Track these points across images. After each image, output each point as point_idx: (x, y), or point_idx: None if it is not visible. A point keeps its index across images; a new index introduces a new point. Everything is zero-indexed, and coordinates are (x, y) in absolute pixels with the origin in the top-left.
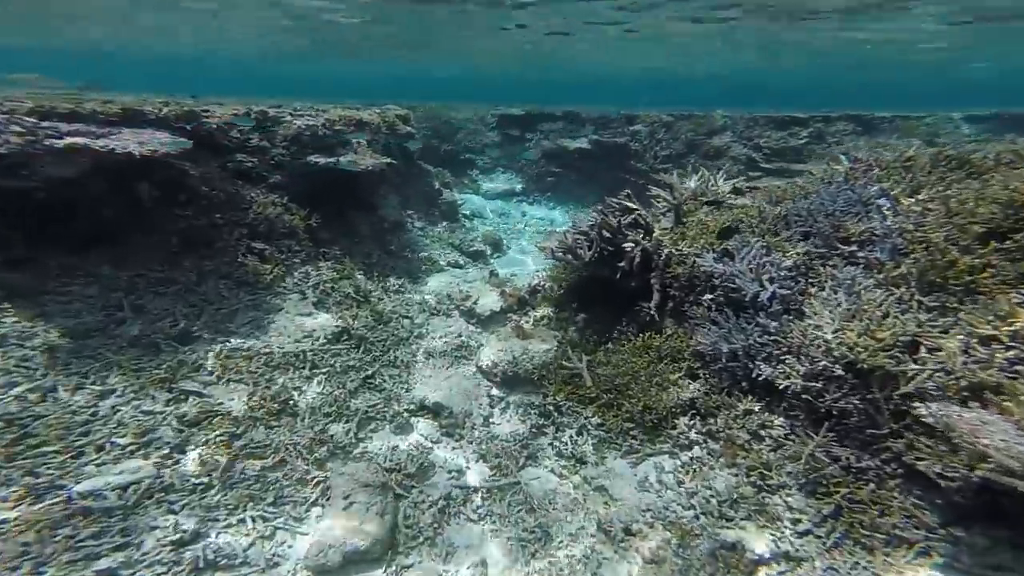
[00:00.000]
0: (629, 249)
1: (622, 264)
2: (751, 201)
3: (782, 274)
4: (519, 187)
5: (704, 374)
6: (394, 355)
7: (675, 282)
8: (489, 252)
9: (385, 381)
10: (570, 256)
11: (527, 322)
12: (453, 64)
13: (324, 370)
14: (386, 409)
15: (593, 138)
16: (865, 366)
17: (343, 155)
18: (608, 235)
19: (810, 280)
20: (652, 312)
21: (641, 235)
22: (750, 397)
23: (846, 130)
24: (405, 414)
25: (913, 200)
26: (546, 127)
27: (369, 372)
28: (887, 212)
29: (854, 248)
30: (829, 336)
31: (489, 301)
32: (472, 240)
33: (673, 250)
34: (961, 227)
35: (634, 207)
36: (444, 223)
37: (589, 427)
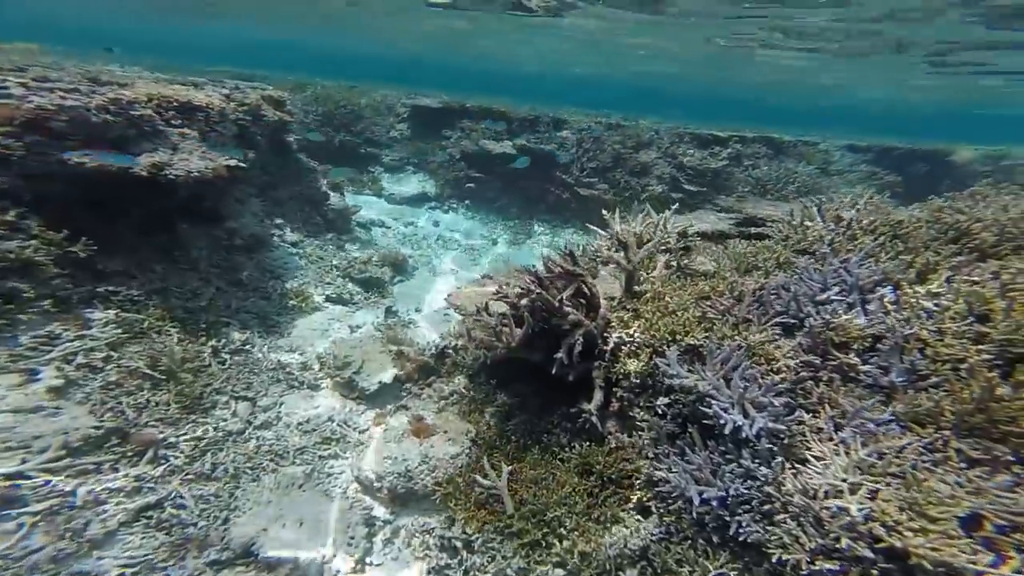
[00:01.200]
0: (568, 327)
1: (559, 355)
2: (712, 262)
3: (771, 398)
4: (432, 191)
5: (659, 508)
6: (210, 463)
7: (624, 380)
8: (389, 277)
9: (182, 512)
10: (493, 340)
11: (431, 405)
12: (365, 40)
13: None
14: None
15: (520, 143)
16: (917, 560)
17: (149, 151)
18: (544, 312)
19: (803, 403)
20: (593, 416)
21: (584, 310)
22: (724, 553)
23: (759, 152)
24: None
25: (923, 291)
26: (468, 124)
27: (151, 500)
28: (890, 306)
29: (854, 358)
30: (853, 508)
31: (378, 367)
32: (366, 262)
33: (623, 335)
34: (1003, 345)
35: (580, 272)
36: (331, 235)
37: (509, 574)
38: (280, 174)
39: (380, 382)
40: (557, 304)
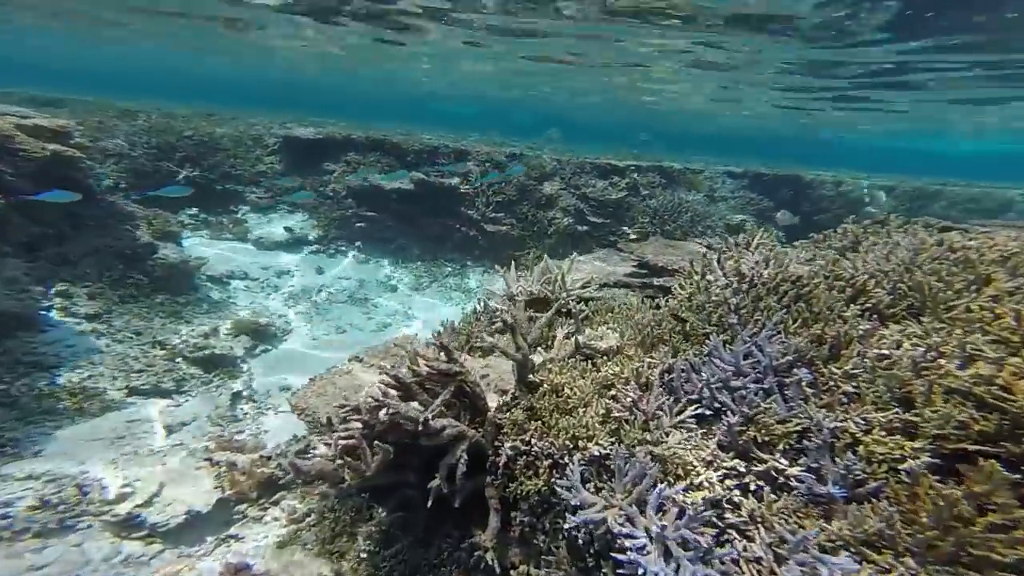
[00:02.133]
0: (447, 440)
1: (433, 484)
2: (614, 333)
3: (696, 532)
4: (313, 234)
5: None
6: None
7: (523, 501)
8: (246, 350)
9: None
10: (337, 471)
11: (273, 535)
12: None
13: None
14: None
15: (419, 176)
16: None
17: None
18: (409, 427)
19: (733, 522)
20: (487, 549)
21: (467, 416)
22: None
23: (654, 182)
24: None
25: (839, 372)
26: (354, 157)
27: None
28: (809, 391)
29: (781, 461)
30: None
31: (193, 488)
32: (209, 333)
33: (519, 443)
34: (936, 441)
35: (456, 370)
36: (162, 298)
37: None
38: (71, 224)
39: (189, 510)
40: (421, 425)
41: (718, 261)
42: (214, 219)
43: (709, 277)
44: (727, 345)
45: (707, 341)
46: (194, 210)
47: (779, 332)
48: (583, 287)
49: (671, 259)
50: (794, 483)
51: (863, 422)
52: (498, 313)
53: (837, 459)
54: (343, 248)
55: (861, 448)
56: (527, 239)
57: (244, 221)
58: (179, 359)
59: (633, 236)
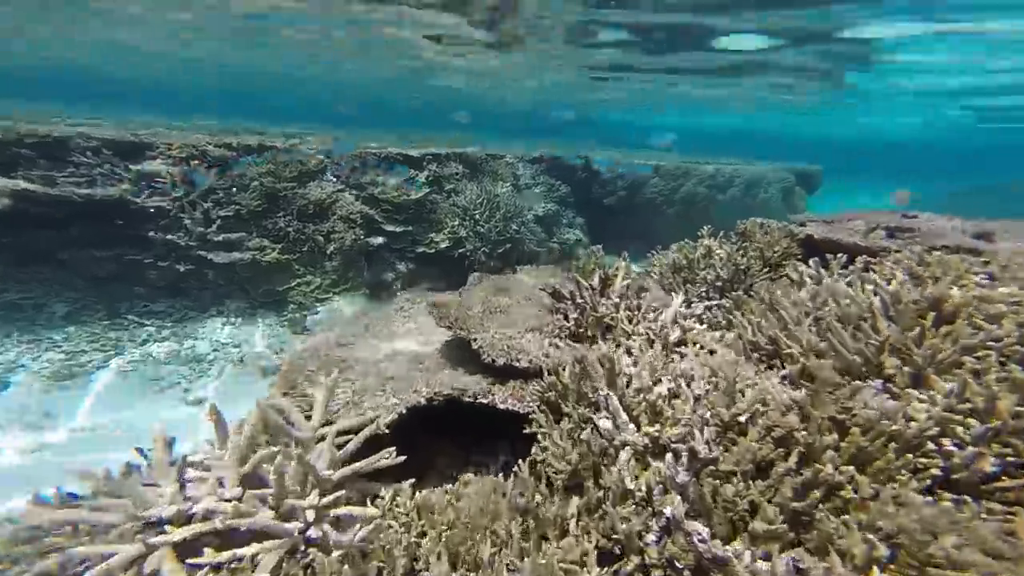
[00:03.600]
0: None
1: None
2: None
3: None
4: None
5: None
6: None
7: None
8: None
9: None
10: None
11: None
12: None
13: None
14: None
15: (29, 189)
16: None
17: None
18: None
19: None
20: None
21: None
22: None
23: (457, 173)
24: None
25: None
26: None
27: None
28: None
29: None
30: None
31: None
32: None
33: None
34: None
35: None
36: None
37: None
38: None
39: None
40: None
41: (603, 365)
42: None
43: (604, 424)
44: None
45: None
46: None
47: None
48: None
49: (510, 328)
50: None
51: None
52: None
53: None
54: None
55: None
56: (294, 264)
57: None
58: None
59: (444, 245)
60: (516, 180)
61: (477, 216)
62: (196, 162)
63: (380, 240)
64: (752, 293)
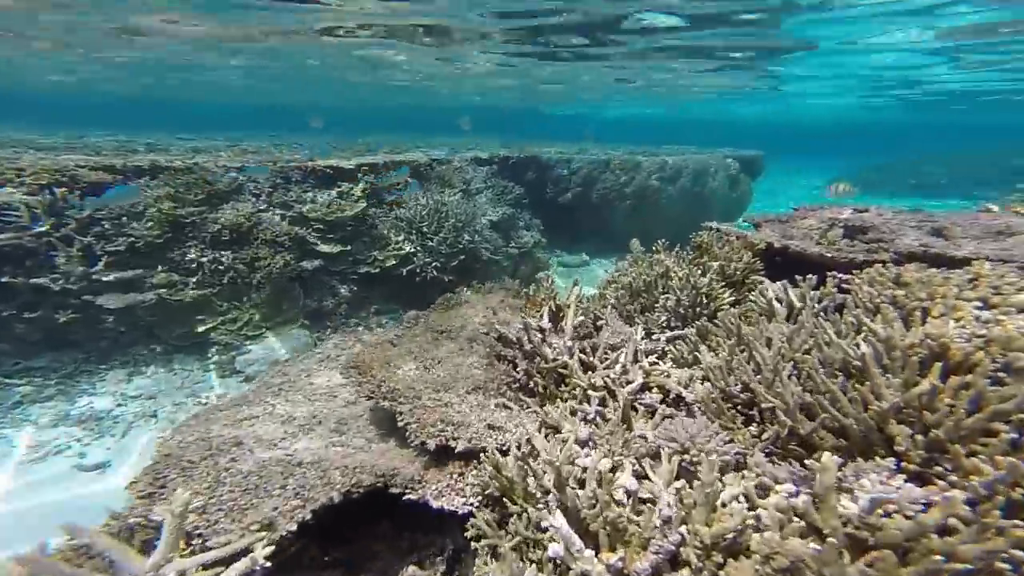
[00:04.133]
0: None
1: None
2: None
3: None
4: None
5: None
6: None
7: None
8: None
9: None
10: None
11: None
12: None
13: None
14: None
15: None
16: None
17: None
18: None
19: None
20: None
21: None
22: None
23: (398, 183)
24: None
25: None
26: None
27: None
28: None
29: None
30: None
31: None
32: None
33: None
34: None
35: None
36: None
37: None
38: None
39: None
40: None
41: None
42: None
43: (555, 549)
44: None
45: None
46: None
47: None
48: None
49: (449, 390)
50: None
51: None
52: None
53: None
54: None
55: None
56: (214, 300)
57: None
58: None
59: (390, 263)
60: (467, 185)
61: (424, 229)
62: (63, 190)
63: (316, 263)
64: (717, 322)
